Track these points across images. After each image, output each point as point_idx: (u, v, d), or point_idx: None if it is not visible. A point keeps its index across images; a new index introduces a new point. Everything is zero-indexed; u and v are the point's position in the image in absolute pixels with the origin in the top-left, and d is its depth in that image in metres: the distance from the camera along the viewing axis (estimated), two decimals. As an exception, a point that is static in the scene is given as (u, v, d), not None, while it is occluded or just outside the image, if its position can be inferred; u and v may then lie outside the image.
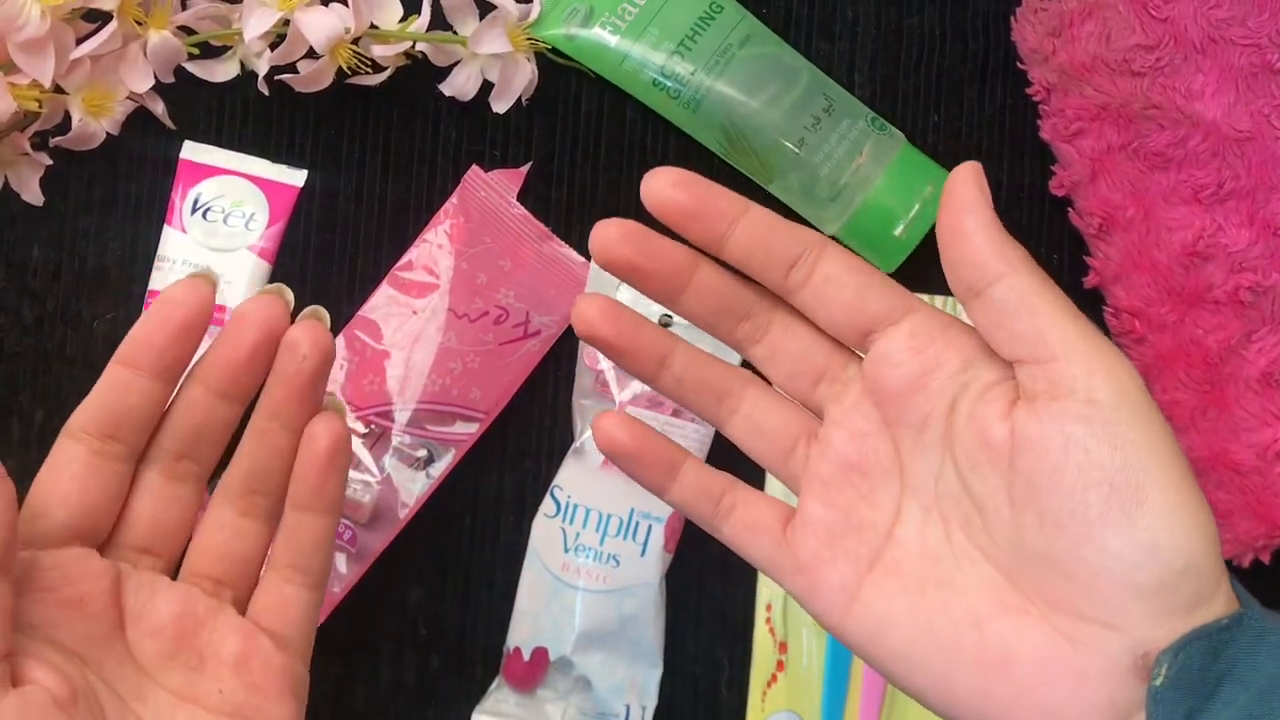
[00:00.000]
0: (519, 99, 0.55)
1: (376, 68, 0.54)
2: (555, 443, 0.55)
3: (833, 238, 0.54)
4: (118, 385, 0.38)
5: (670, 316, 0.54)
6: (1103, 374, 0.35)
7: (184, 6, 0.53)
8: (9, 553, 0.35)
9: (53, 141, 0.54)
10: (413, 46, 0.54)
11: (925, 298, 0.55)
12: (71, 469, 0.38)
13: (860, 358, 0.38)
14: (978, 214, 0.36)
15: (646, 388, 0.53)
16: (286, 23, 0.52)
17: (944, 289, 0.55)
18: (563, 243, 0.55)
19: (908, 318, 0.37)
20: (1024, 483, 0.35)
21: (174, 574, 0.40)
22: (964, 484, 0.36)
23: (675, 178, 0.37)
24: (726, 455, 0.55)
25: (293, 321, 0.39)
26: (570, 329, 0.55)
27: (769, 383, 0.40)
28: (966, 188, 0.36)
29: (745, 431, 0.39)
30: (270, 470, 0.40)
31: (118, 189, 0.56)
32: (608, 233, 0.37)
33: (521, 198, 0.55)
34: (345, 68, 0.53)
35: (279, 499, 0.40)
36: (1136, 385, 0.35)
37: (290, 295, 0.39)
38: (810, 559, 0.38)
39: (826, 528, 0.38)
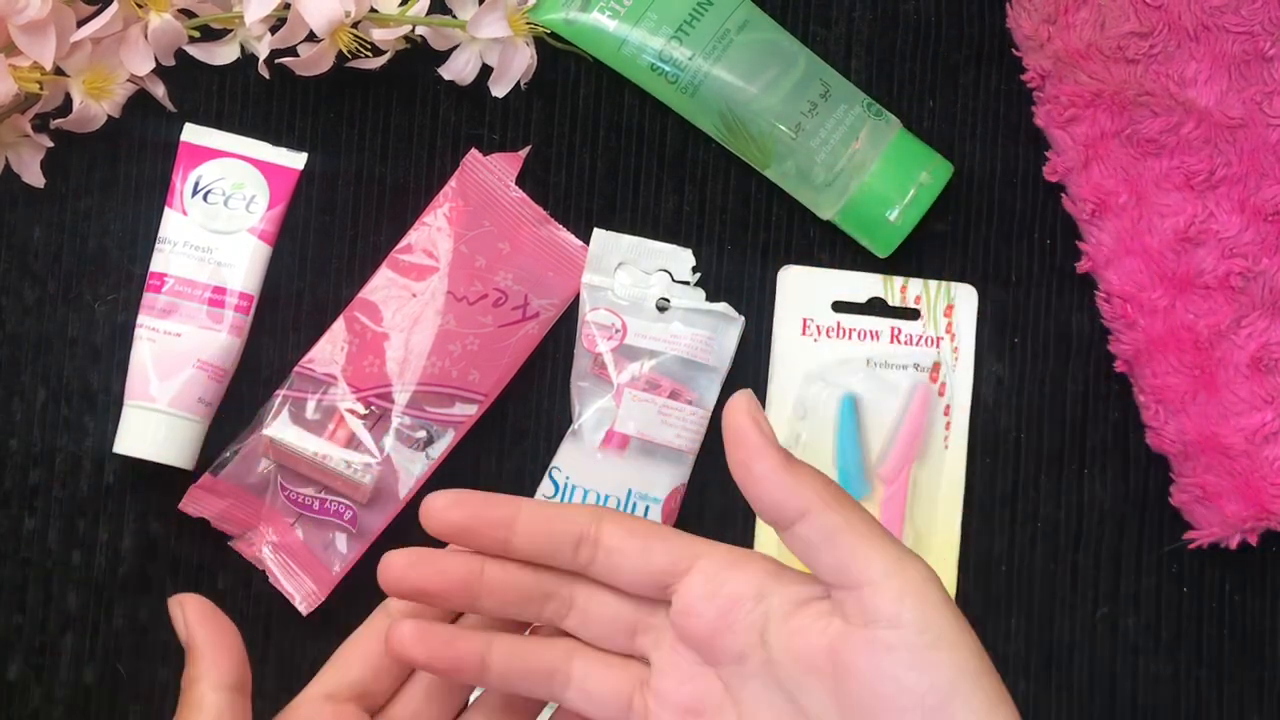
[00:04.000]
0: (518, 83, 0.55)
1: (376, 51, 0.54)
2: (553, 424, 0.55)
3: (829, 222, 0.55)
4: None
5: (668, 300, 0.55)
6: (911, 598, 0.36)
7: (185, -11, 0.53)
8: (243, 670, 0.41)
9: (54, 124, 0.54)
10: (412, 30, 0.54)
11: (918, 282, 0.56)
12: (380, 636, 0.41)
13: (667, 605, 0.40)
14: (764, 458, 0.38)
15: (645, 371, 0.54)
16: (287, 6, 0.52)
17: (936, 274, 0.56)
18: (561, 226, 0.55)
19: (695, 565, 0.39)
20: (852, 705, 0.37)
21: None
22: (797, 706, 0.38)
23: (449, 500, 0.40)
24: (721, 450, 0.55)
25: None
26: (568, 312, 0.55)
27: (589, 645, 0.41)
28: (746, 430, 0.38)
29: (581, 700, 0.41)
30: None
31: (118, 171, 0.56)
32: (390, 568, 0.40)
33: (520, 181, 0.56)
34: (345, 51, 0.53)
35: None
36: (943, 603, 0.37)
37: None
38: None
39: None
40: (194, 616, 0.41)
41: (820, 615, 0.38)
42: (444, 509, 0.40)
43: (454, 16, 0.54)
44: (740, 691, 0.39)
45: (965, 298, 0.56)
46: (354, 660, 0.42)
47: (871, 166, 0.53)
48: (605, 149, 0.56)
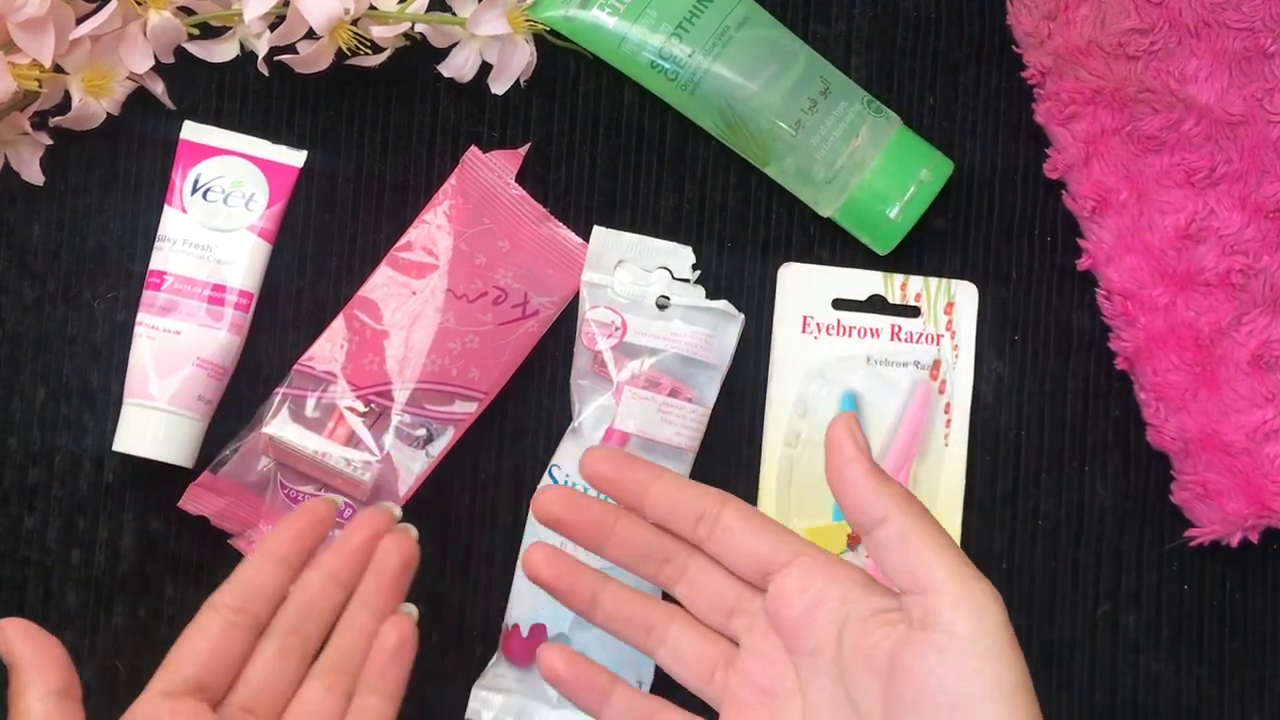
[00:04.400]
0: (517, 80, 0.55)
1: (376, 49, 0.54)
2: (553, 422, 0.55)
3: (829, 219, 0.55)
4: (255, 570, 0.46)
5: (668, 298, 0.55)
6: (968, 607, 0.40)
7: (184, -13, 0.53)
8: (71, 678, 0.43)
9: (53, 121, 0.54)
10: (412, 28, 0.54)
11: (918, 279, 0.56)
12: (209, 633, 0.45)
13: (765, 591, 0.45)
14: (857, 463, 0.43)
15: (644, 369, 0.54)
16: (286, 3, 0.52)
17: (936, 271, 0.56)
18: (560, 223, 0.55)
19: (796, 560, 0.44)
20: (896, 701, 0.41)
21: None
22: (852, 701, 0.42)
23: (604, 454, 0.46)
24: (721, 447, 0.55)
25: None
26: (568, 309, 0.55)
27: (690, 614, 0.46)
28: (844, 439, 0.43)
29: (671, 659, 0.46)
30: (354, 652, 0.46)
31: (118, 169, 0.56)
32: (546, 495, 0.46)
33: (520, 179, 0.55)
34: (345, 48, 0.53)
35: (358, 680, 0.46)
36: (999, 623, 0.40)
37: (399, 512, 0.48)
38: None
39: None
40: (14, 635, 0.43)
41: (891, 624, 0.42)
42: (597, 460, 0.46)
43: (453, 14, 0.54)
44: (809, 682, 0.43)
45: (965, 295, 0.56)
46: (187, 657, 0.45)
47: (871, 164, 0.53)
48: (605, 146, 0.56)
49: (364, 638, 0.47)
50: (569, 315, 0.55)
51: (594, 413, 0.54)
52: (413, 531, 0.48)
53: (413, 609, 0.48)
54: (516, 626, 0.54)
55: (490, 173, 0.55)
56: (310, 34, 0.53)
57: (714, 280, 0.56)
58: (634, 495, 0.46)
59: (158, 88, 0.55)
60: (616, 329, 0.54)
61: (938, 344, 0.56)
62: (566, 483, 0.54)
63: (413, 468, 0.54)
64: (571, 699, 0.47)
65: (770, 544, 0.44)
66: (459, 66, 0.55)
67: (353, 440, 0.53)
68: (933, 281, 0.56)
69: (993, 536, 0.55)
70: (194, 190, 0.54)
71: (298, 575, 0.47)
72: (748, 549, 0.44)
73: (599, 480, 0.46)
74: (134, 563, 0.55)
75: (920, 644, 0.40)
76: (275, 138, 0.55)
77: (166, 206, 0.55)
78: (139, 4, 0.52)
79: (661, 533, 0.46)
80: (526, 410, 0.56)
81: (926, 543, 0.41)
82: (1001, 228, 0.56)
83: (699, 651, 0.46)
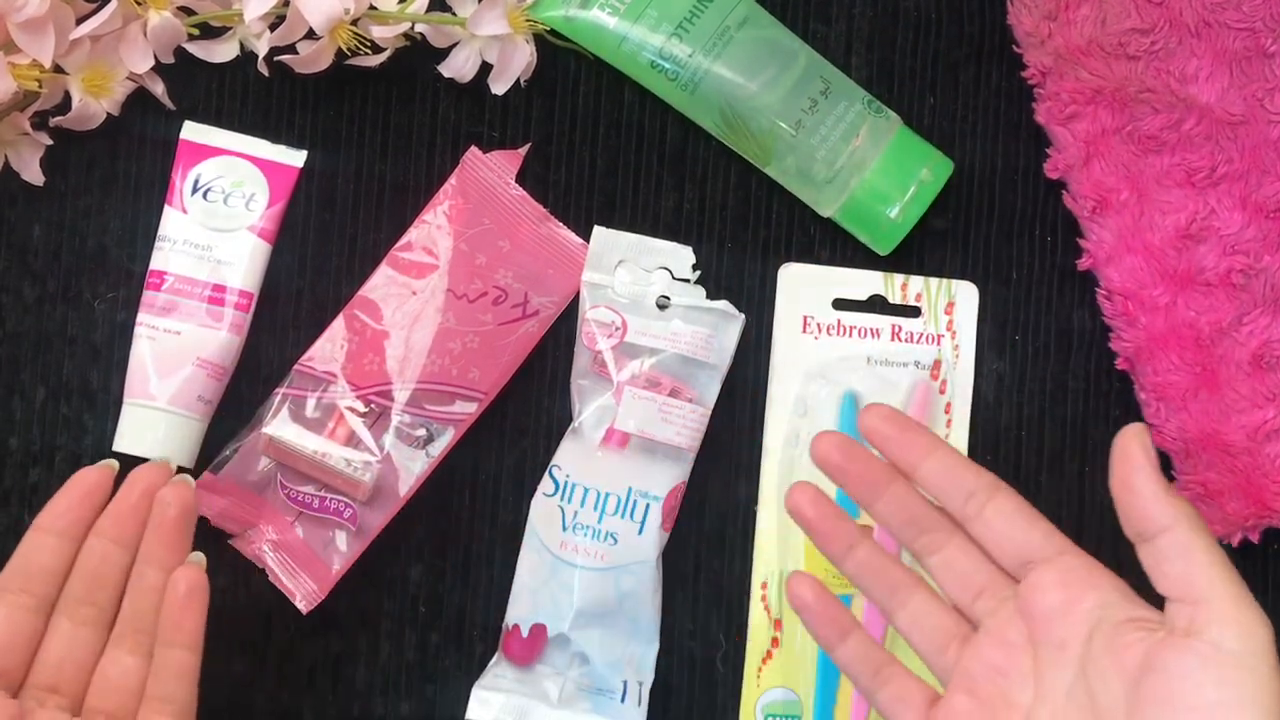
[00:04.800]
0: (517, 80, 0.55)
1: (376, 49, 0.54)
2: (554, 422, 0.55)
3: (830, 219, 0.55)
4: (32, 547, 0.47)
5: (668, 298, 0.55)
6: (1236, 627, 0.41)
7: (184, -13, 0.53)
8: None
9: (53, 121, 0.54)
10: (412, 28, 0.54)
11: (919, 279, 0.56)
12: (6, 625, 0.46)
13: (1016, 582, 0.46)
14: (1146, 473, 0.43)
15: (644, 369, 0.54)
16: (286, 3, 0.52)
17: (936, 271, 0.56)
18: (561, 223, 0.55)
19: (1060, 557, 0.45)
20: (1144, 700, 0.42)
21: (79, 710, 0.47)
22: (1092, 697, 0.43)
23: (888, 413, 0.46)
24: (722, 447, 0.55)
25: None
26: (568, 309, 0.55)
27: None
28: (1134, 448, 0.43)
29: (909, 623, 0.47)
30: (148, 610, 0.47)
31: (118, 169, 0.56)
32: (826, 438, 0.46)
33: (520, 179, 0.55)
34: (345, 49, 0.53)
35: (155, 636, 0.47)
36: (1266, 645, 0.41)
37: (175, 465, 0.49)
38: None
39: (966, 714, 0.45)
40: None
41: (1148, 630, 0.42)
42: (880, 418, 0.46)
43: (454, 14, 0.54)
44: (1047, 671, 0.44)
45: (966, 295, 0.56)
46: None
47: (872, 164, 0.53)
48: (605, 146, 0.56)
49: (155, 594, 0.47)
50: (569, 315, 0.55)
51: (594, 413, 0.54)
52: (190, 481, 0.48)
53: (200, 556, 0.47)
54: (516, 626, 0.54)
55: (490, 173, 0.55)
56: (310, 34, 0.53)
57: (714, 280, 0.56)
58: (911, 457, 0.46)
59: (158, 88, 0.55)
60: (617, 329, 0.54)
61: (938, 344, 0.55)
62: (567, 483, 0.54)
63: (413, 468, 0.54)
64: (812, 630, 0.48)
65: (1038, 537, 0.45)
66: (459, 66, 0.55)
67: (353, 440, 0.53)
68: (933, 281, 0.56)
69: (993, 536, 0.55)
70: (194, 190, 0.54)
71: (80, 546, 0.47)
72: (1015, 537, 0.45)
73: (877, 436, 0.46)
74: (134, 563, 0.55)
75: (1182, 649, 0.41)
76: (275, 138, 0.55)
77: (167, 207, 0.55)
78: (139, 4, 0.52)
79: (929, 503, 0.46)
80: (527, 410, 0.56)
81: (1208, 558, 0.42)
82: (1002, 228, 0.56)
83: (939, 622, 0.47)
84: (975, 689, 0.45)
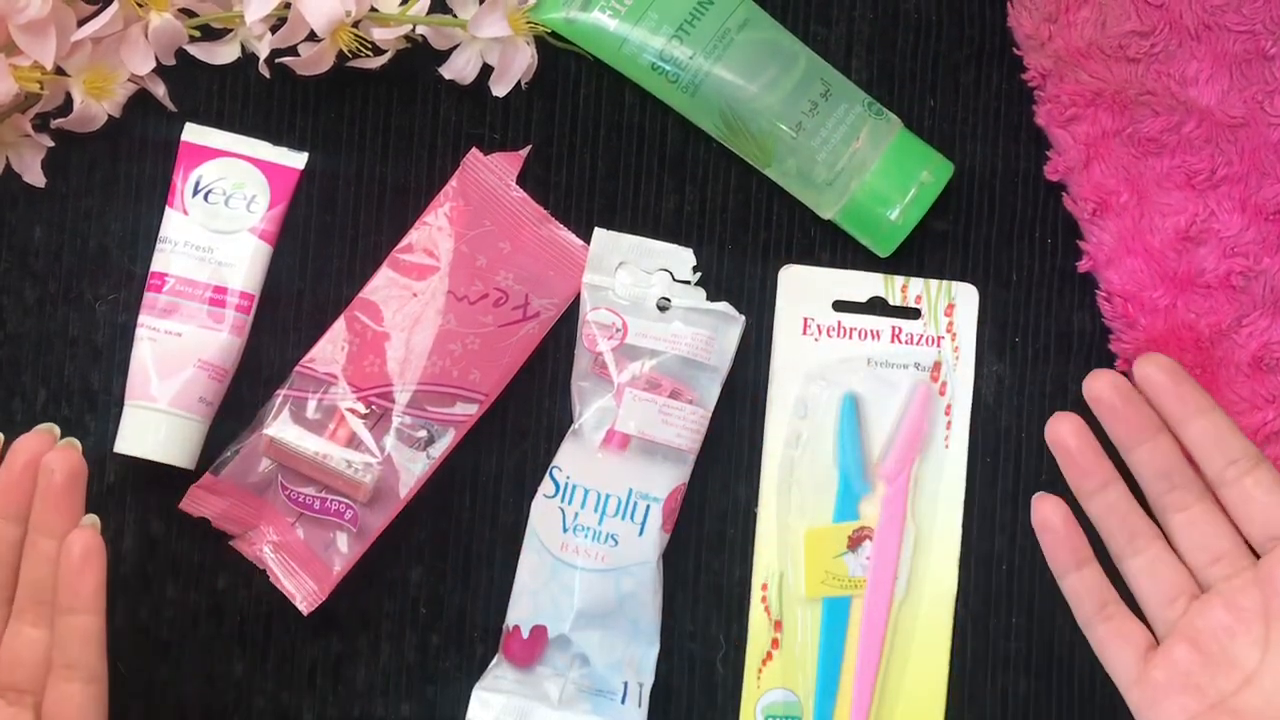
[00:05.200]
0: (518, 82, 0.55)
1: (377, 51, 0.54)
2: (554, 424, 0.55)
3: (830, 221, 0.55)
4: None
5: (668, 300, 0.55)
6: None
7: (185, -11, 0.53)
8: None
9: (54, 123, 0.54)
10: (413, 30, 0.54)
11: (919, 281, 0.56)
12: None
13: (1255, 556, 0.47)
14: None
15: (645, 370, 0.54)
16: (287, 5, 0.52)
17: (937, 273, 0.56)
18: (561, 225, 0.55)
19: None
20: None
21: None
22: None
23: (1165, 364, 0.48)
24: (722, 448, 0.55)
25: None
26: (569, 311, 0.55)
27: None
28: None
29: (1142, 571, 0.49)
30: (45, 579, 0.46)
31: (119, 171, 0.56)
32: (1103, 376, 0.48)
33: (521, 181, 0.56)
34: (346, 51, 0.53)
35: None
36: None
37: (57, 431, 0.48)
38: (1163, 680, 0.47)
39: (1186, 664, 0.47)
40: None
41: None
42: (1159, 367, 0.48)
43: (455, 16, 0.54)
44: (1279, 639, 0.45)
45: (966, 297, 0.56)
46: None
47: (872, 166, 0.53)
48: (606, 148, 0.56)
49: (51, 563, 0.46)
50: (570, 317, 0.55)
51: (595, 414, 0.54)
52: (75, 444, 0.47)
53: (94, 519, 0.47)
54: (517, 628, 0.54)
55: (491, 175, 0.55)
56: (311, 36, 0.53)
57: (715, 282, 0.56)
58: (1182, 412, 0.47)
59: (159, 90, 0.55)
60: (617, 331, 0.54)
61: (938, 346, 0.56)
62: (567, 484, 0.54)
63: (413, 469, 0.54)
64: (1050, 553, 0.49)
65: None
66: (460, 68, 0.55)
67: (354, 442, 0.53)
68: (933, 283, 0.56)
69: (993, 538, 0.55)
70: (195, 192, 0.54)
71: None
72: (1270, 511, 0.46)
73: (1152, 384, 0.48)
74: (135, 564, 0.55)
75: None
76: (276, 140, 0.55)
77: (168, 208, 0.55)
78: (140, 6, 0.52)
79: (1185, 461, 0.48)
80: (527, 412, 0.56)
81: None
82: (1002, 230, 0.56)
83: (1172, 575, 0.48)
84: (1200, 642, 0.47)
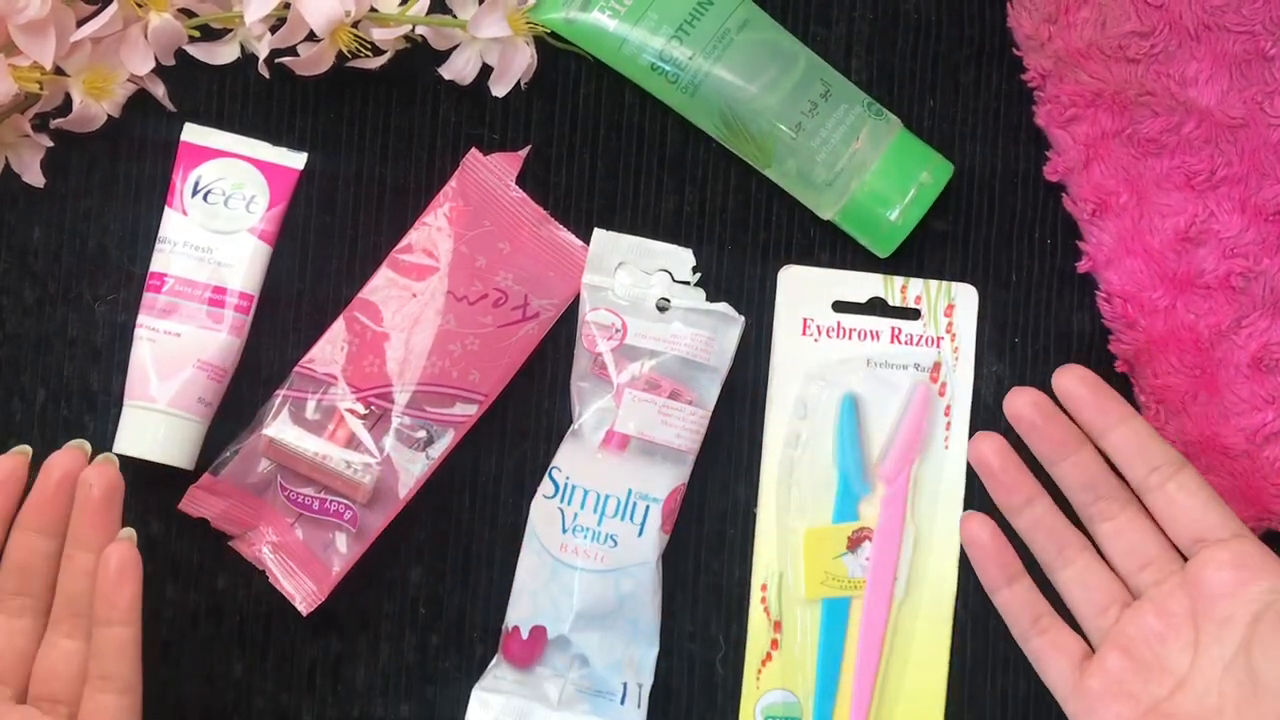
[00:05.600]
0: (518, 83, 0.55)
1: (376, 51, 0.54)
2: (554, 424, 0.55)
3: (830, 222, 0.55)
4: None
5: (668, 300, 0.55)
6: None
7: (184, -11, 0.53)
8: None
9: (54, 123, 0.54)
10: (412, 30, 0.54)
11: (918, 281, 0.56)
12: None
13: (1183, 558, 0.47)
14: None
15: (643, 372, 0.54)
16: (287, 5, 0.52)
17: (936, 274, 0.56)
18: (561, 226, 0.55)
19: (1236, 540, 0.46)
20: None
21: (25, 698, 0.47)
22: (1253, 673, 0.44)
23: (1083, 375, 0.48)
24: (722, 449, 0.55)
25: None
26: (568, 312, 0.55)
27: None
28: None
29: (1073, 582, 0.49)
30: (83, 593, 0.47)
31: (119, 171, 0.56)
32: (1023, 394, 0.49)
33: (520, 181, 0.56)
34: (345, 51, 0.53)
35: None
36: None
37: (88, 447, 0.49)
38: (1098, 689, 0.48)
39: (1119, 671, 0.47)
40: None
41: None
42: (1077, 380, 0.48)
43: (454, 16, 0.54)
44: (1208, 644, 0.46)
45: (966, 297, 0.56)
46: None
47: (872, 166, 0.53)
48: (605, 149, 0.56)
49: (88, 576, 0.47)
50: (569, 317, 0.55)
51: (594, 415, 0.54)
52: (113, 459, 0.48)
53: (130, 532, 0.47)
54: (516, 628, 0.54)
55: (491, 175, 0.55)
56: (311, 36, 0.53)
57: (714, 283, 0.56)
58: (1102, 423, 0.48)
59: (158, 90, 0.55)
60: (617, 331, 0.54)
61: (938, 346, 0.56)
62: (567, 485, 0.54)
63: (413, 470, 0.54)
64: (980, 570, 0.50)
65: (1216, 518, 0.46)
66: (459, 69, 0.55)
67: (353, 442, 0.53)
68: (933, 284, 0.56)
69: (993, 539, 0.55)
70: (194, 192, 0.54)
71: (2, 538, 0.47)
72: (1193, 515, 0.47)
73: (1071, 397, 0.48)
74: (134, 564, 0.55)
75: None
76: (276, 140, 0.55)
77: (167, 209, 0.55)
78: (140, 6, 0.52)
79: (1110, 471, 0.48)
80: (527, 412, 0.56)
81: None
82: (1001, 230, 0.56)
83: (1102, 585, 0.48)
84: (1132, 650, 0.47)
